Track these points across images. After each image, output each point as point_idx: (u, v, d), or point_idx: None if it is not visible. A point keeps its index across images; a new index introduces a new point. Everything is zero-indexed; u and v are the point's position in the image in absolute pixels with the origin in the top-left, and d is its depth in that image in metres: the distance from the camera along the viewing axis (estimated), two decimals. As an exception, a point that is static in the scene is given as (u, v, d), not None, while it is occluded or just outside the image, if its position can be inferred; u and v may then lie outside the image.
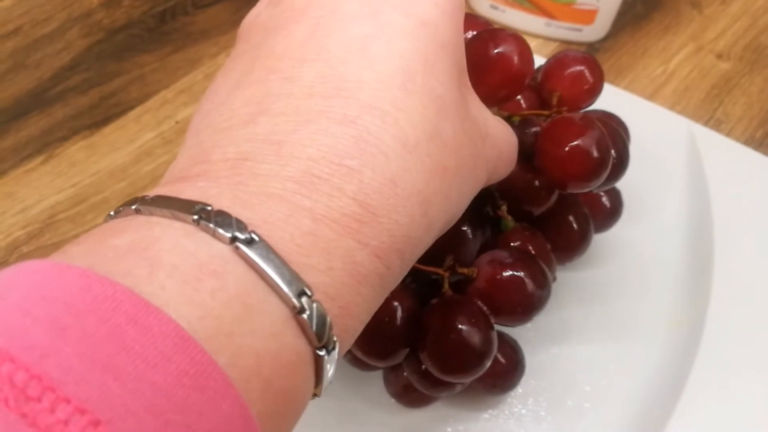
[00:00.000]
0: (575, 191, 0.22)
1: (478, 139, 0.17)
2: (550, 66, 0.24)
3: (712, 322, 0.25)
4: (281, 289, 0.12)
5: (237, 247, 0.12)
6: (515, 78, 0.20)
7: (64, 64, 0.36)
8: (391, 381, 0.23)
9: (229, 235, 0.12)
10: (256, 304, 0.12)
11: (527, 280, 0.21)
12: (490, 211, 0.24)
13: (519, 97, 0.24)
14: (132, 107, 0.34)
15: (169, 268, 0.11)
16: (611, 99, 0.31)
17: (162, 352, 0.10)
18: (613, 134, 0.23)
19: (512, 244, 0.23)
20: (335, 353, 0.13)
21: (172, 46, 0.37)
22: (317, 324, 0.12)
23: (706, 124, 0.34)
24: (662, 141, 0.31)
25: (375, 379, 0.24)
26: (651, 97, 0.35)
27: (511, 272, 0.21)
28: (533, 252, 0.23)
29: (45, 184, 0.31)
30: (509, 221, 0.23)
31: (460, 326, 0.20)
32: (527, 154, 0.22)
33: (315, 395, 0.14)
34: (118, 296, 0.10)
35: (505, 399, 0.25)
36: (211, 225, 0.12)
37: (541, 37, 0.38)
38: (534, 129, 0.23)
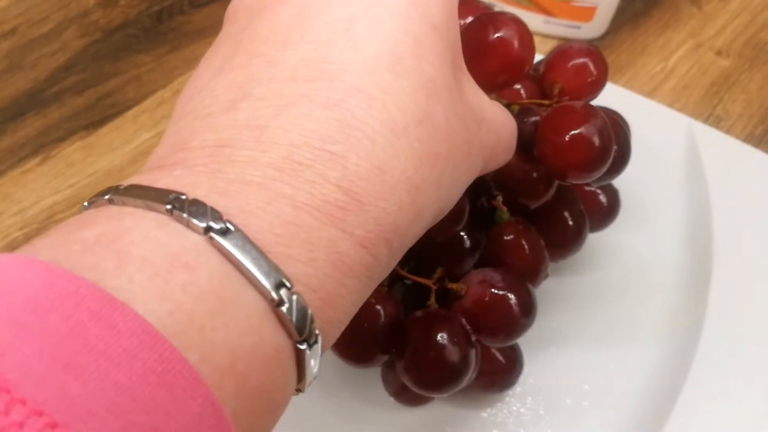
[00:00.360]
0: (575, 182, 0.22)
1: (473, 124, 0.16)
2: (553, 57, 0.24)
3: (711, 321, 0.25)
4: (258, 280, 0.11)
5: (211, 238, 0.11)
6: (515, 63, 0.20)
7: (61, 64, 0.36)
8: (389, 380, 0.23)
9: (203, 225, 0.11)
10: (231, 296, 0.11)
11: (515, 307, 0.21)
12: (484, 202, 0.23)
13: (519, 87, 0.23)
14: (129, 107, 0.34)
15: (139, 261, 0.11)
16: (610, 96, 0.31)
17: (127, 350, 0.10)
18: (615, 126, 0.22)
19: (505, 237, 0.22)
20: (318, 347, 0.13)
21: (168, 45, 0.37)
22: (297, 317, 0.12)
23: (705, 121, 0.33)
24: (661, 139, 0.30)
25: (375, 378, 0.24)
26: (650, 94, 0.35)
27: (499, 296, 0.21)
28: (526, 247, 0.22)
29: (42, 185, 0.31)
30: (504, 213, 0.23)
31: (440, 342, 0.20)
32: (526, 144, 0.21)
33: (299, 390, 0.13)
34: (81, 291, 0.10)
35: (503, 398, 0.24)
36: (185, 215, 0.11)
37: (539, 34, 0.38)
38: (534, 118, 0.22)
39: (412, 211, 0.14)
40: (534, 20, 0.37)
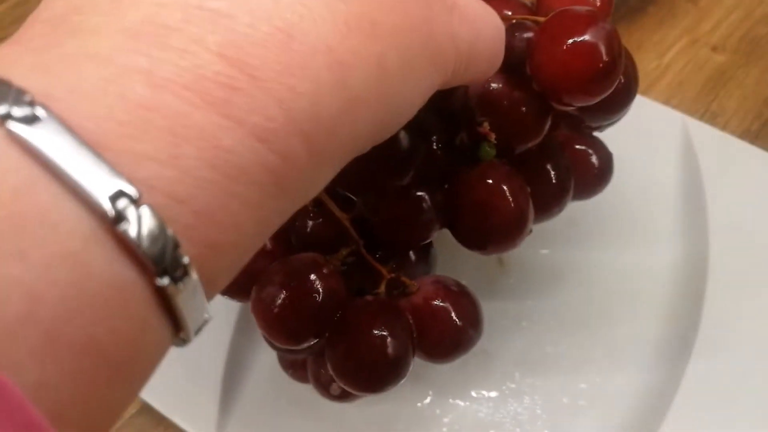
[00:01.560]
0: (573, 103, 0.18)
1: (437, 4, 0.12)
2: None
3: (708, 317, 0.25)
4: (81, 187, 0.08)
5: (9, 130, 0.08)
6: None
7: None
8: (306, 368, 0.21)
9: (1, 111, 0.08)
10: (34, 211, 0.08)
11: (465, 317, 0.19)
12: (464, 137, 0.19)
13: (509, 13, 0.20)
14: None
15: None
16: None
17: None
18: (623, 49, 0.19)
19: (488, 181, 0.19)
20: (193, 281, 0.09)
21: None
22: (149, 239, 0.09)
23: (701, 117, 0.33)
24: (656, 136, 0.30)
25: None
26: (645, 91, 0.35)
27: (452, 301, 0.19)
28: (508, 194, 0.19)
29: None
30: (490, 147, 0.19)
31: (384, 334, 0.18)
32: (517, 65, 0.18)
33: (183, 341, 0.10)
34: None
35: (500, 397, 0.24)
36: None
37: (535, 32, 0.38)
38: (527, 34, 0.18)
39: (340, 95, 0.10)
40: (529, 18, 0.37)
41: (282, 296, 0.17)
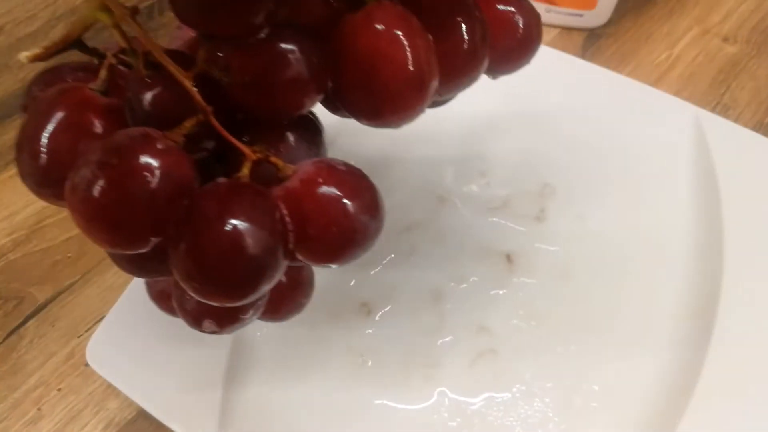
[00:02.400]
0: None
1: None
2: None
3: (724, 314, 0.24)
4: None
5: None
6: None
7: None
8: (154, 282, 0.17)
9: None
10: None
11: (356, 200, 0.15)
12: None
13: None
14: (120, 106, 0.33)
15: None
16: (615, 86, 0.30)
17: None
18: None
19: (375, 25, 0.15)
20: None
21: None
22: None
23: (713, 110, 0.32)
24: (668, 128, 0.30)
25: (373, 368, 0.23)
26: (655, 83, 0.34)
27: (338, 181, 0.15)
28: (402, 38, 0.15)
29: (31, 188, 0.30)
30: None
31: (243, 223, 0.13)
32: None
33: None
34: None
35: (510, 399, 0.24)
36: None
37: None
38: None
39: None
40: (534, 9, 0.36)
41: (102, 178, 0.13)
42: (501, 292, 0.26)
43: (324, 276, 0.27)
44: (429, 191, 0.29)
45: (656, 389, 0.24)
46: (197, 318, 0.16)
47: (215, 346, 0.24)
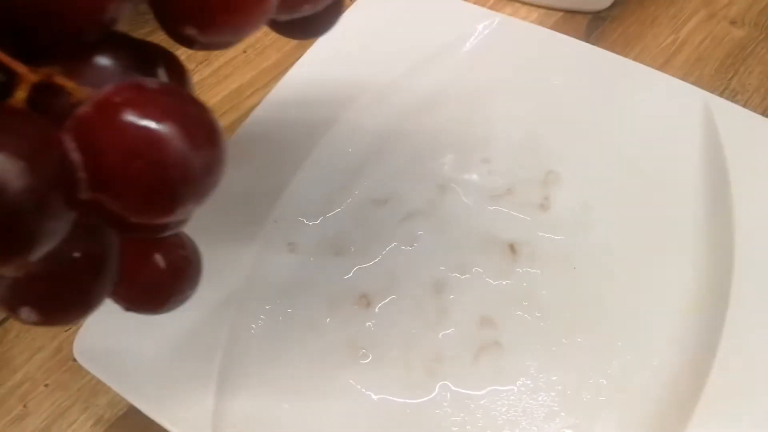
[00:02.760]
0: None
1: None
2: None
3: (735, 304, 0.24)
4: None
5: None
6: None
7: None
8: None
9: None
10: None
11: (170, 123, 0.11)
12: None
13: None
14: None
15: None
16: (620, 70, 0.29)
17: None
18: None
19: None
20: None
21: (149, 26, 0.35)
22: None
23: (720, 94, 0.32)
24: (676, 113, 0.29)
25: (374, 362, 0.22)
26: (662, 67, 0.33)
27: (145, 100, 0.11)
28: None
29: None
30: None
31: None
32: None
33: None
34: None
35: (515, 393, 0.23)
36: None
37: (544, 7, 0.36)
38: None
39: None
40: (537, -9, 0.35)
41: None
42: (504, 282, 0.25)
43: (321, 266, 0.26)
44: (429, 179, 0.28)
45: (666, 383, 0.23)
46: (12, 305, 0.13)
47: (208, 338, 0.23)
